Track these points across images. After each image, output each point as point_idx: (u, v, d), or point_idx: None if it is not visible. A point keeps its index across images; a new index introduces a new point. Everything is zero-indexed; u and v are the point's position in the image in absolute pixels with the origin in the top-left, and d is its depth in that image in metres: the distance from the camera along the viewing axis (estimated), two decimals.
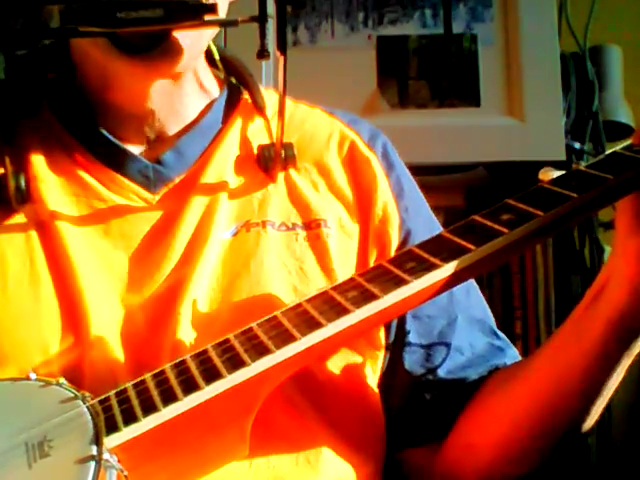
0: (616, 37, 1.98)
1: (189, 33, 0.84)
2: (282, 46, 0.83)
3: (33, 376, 0.74)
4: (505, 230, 0.71)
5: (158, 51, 0.84)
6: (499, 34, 1.76)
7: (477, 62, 1.74)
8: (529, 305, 1.78)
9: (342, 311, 0.72)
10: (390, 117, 1.73)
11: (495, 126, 1.72)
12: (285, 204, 0.93)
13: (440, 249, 0.73)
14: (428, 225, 0.99)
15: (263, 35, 0.81)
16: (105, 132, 0.92)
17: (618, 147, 0.74)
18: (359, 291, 0.73)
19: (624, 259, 0.75)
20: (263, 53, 0.82)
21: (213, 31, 0.90)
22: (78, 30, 0.78)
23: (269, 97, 1.00)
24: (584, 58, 1.86)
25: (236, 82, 1.01)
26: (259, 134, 0.97)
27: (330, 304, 0.73)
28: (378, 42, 1.76)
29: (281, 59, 0.85)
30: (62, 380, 0.74)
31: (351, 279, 0.76)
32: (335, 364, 0.88)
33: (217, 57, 1.01)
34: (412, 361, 0.92)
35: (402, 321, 0.93)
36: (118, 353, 0.82)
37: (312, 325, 0.72)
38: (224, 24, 0.84)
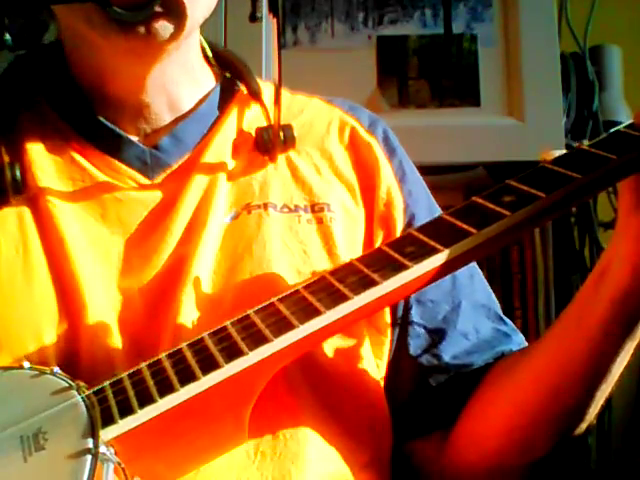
0: (616, 37, 1.98)
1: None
2: (274, 8, 0.82)
3: (27, 364, 0.73)
4: (507, 212, 0.70)
5: (154, 14, 0.82)
6: (499, 34, 1.75)
7: (477, 62, 1.74)
8: (529, 305, 1.77)
9: (341, 298, 0.71)
10: (390, 117, 1.70)
11: (495, 126, 1.72)
12: (287, 186, 0.93)
13: (441, 232, 0.72)
14: (430, 209, 0.99)
15: None
16: (101, 118, 0.91)
17: (621, 126, 0.73)
18: (358, 277, 0.72)
19: (625, 238, 0.75)
20: (255, 16, 0.81)
21: (210, 4, 0.89)
22: None
23: (266, 87, 0.99)
24: (584, 58, 1.86)
25: (231, 76, 1.01)
26: (256, 121, 0.96)
27: (328, 290, 0.72)
28: (378, 42, 1.75)
29: (274, 22, 0.84)
30: (56, 369, 0.73)
31: (349, 264, 0.75)
32: (339, 353, 0.87)
33: (210, 54, 1.00)
34: (416, 346, 0.92)
35: (406, 306, 0.92)
36: (116, 339, 0.81)
37: (310, 312, 0.71)
38: None
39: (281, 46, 0.92)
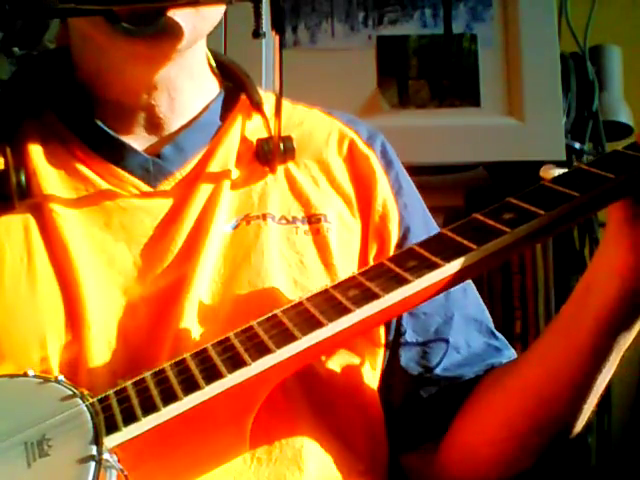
0: (616, 37, 1.98)
1: (189, 16, 0.85)
2: (278, 25, 0.83)
3: (31, 372, 0.74)
4: (507, 229, 0.71)
5: (158, 31, 0.84)
6: (499, 34, 1.76)
7: (477, 62, 1.74)
8: (529, 305, 1.78)
9: (343, 310, 0.71)
10: (390, 117, 1.73)
11: (495, 126, 1.72)
12: (285, 198, 0.94)
13: (441, 248, 0.73)
14: (425, 223, 0.99)
15: (258, 15, 0.81)
16: (104, 126, 0.92)
17: (620, 147, 0.74)
18: (360, 290, 0.73)
19: (616, 251, 0.75)
20: (258, 32, 0.81)
21: (216, 14, 0.90)
22: (76, 8, 0.78)
23: (267, 98, 1.00)
24: (584, 58, 1.86)
25: (233, 86, 1.01)
26: (258, 131, 0.97)
27: (331, 303, 0.73)
28: (378, 42, 1.76)
29: (277, 39, 0.85)
30: (61, 377, 0.74)
31: (352, 277, 0.75)
32: (335, 361, 0.87)
33: (213, 63, 1.01)
34: (408, 358, 0.92)
35: (398, 318, 0.93)
36: (117, 348, 0.82)
37: (313, 324, 0.71)
38: (219, 3, 0.84)
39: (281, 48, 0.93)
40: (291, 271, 0.88)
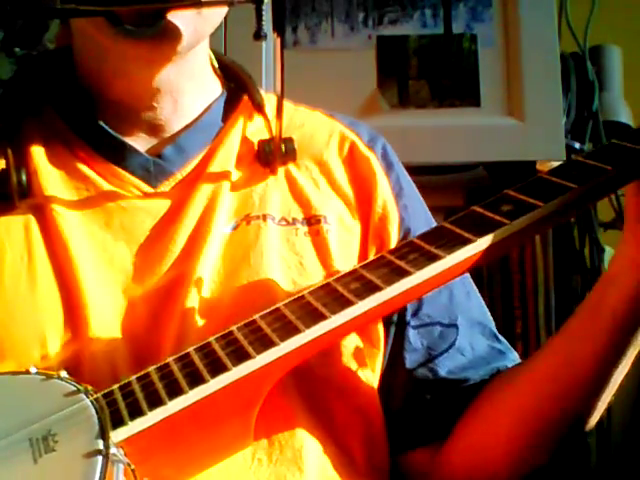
0: (616, 37, 1.98)
1: (190, 18, 0.85)
2: (279, 26, 0.84)
3: (33, 370, 0.74)
4: (506, 221, 0.72)
5: (157, 33, 0.84)
6: (499, 34, 1.75)
7: (477, 62, 1.74)
8: (529, 305, 1.77)
9: (345, 303, 0.72)
10: (390, 117, 1.72)
11: (495, 126, 1.71)
12: (285, 199, 0.94)
13: (441, 240, 0.74)
14: (427, 225, 0.98)
15: (259, 16, 0.81)
16: (105, 126, 0.92)
17: (614, 140, 0.75)
18: (362, 282, 0.74)
19: (634, 244, 0.76)
20: (260, 34, 0.82)
21: (218, 16, 0.91)
22: (76, 9, 0.79)
23: (269, 99, 1.01)
24: (584, 58, 1.86)
25: (235, 87, 1.02)
26: (259, 132, 0.98)
27: (333, 296, 0.74)
28: (378, 42, 1.75)
29: (277, 40, 0.86)
30: (63, 373, 0.74)
31: (353, 270, 0.76)
32: (333, 364, 0.88)
33: (216, 64, 1.02)
34: (413, 360, 0.92)
35: (402, 320, 0.93)
36: (118, 346, 0.82)
37: (316, 317, 0.72)
38: (220, 4, 0.85)
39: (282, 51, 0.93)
40: (290, 272, 0.89)
